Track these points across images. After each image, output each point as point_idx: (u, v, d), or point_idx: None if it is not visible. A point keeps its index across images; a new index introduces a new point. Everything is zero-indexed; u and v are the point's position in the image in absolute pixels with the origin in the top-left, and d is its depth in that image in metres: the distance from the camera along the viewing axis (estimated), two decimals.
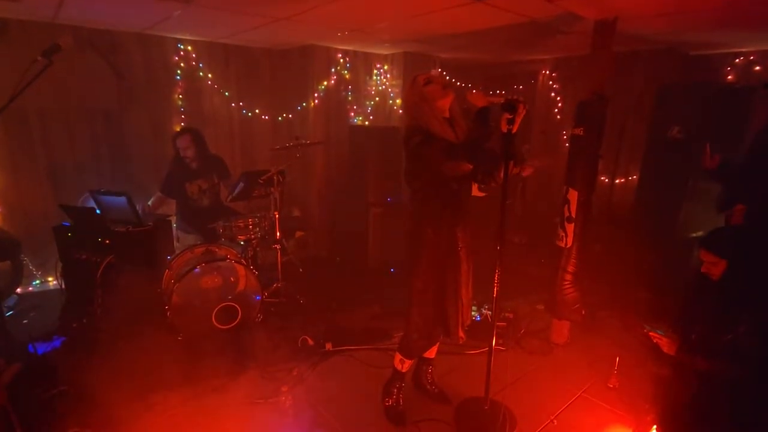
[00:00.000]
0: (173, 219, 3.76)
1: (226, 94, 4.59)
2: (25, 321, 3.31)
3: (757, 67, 3.79)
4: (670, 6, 2.58)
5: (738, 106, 3.33)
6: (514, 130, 1.90)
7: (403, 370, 2.36)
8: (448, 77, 5.55)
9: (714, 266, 2.17)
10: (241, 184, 3.40)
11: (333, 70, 4.73)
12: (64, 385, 2.35)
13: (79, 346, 2.72)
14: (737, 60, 3.90)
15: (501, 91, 5.82)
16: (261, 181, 3.38)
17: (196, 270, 3.00)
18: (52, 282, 3.87)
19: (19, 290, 3.70)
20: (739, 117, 3.27)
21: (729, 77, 3.95)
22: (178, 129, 4.33)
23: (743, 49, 3.87)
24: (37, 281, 3.91)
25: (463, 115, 2.11)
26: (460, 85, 5.70)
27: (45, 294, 3.78)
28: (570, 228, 2.92)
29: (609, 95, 2.76)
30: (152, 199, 3.64)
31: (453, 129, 2.04)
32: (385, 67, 5.10)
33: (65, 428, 2.09)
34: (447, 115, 2.06)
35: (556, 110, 5.17)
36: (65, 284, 3.24)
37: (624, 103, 4.23)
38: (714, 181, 2.92)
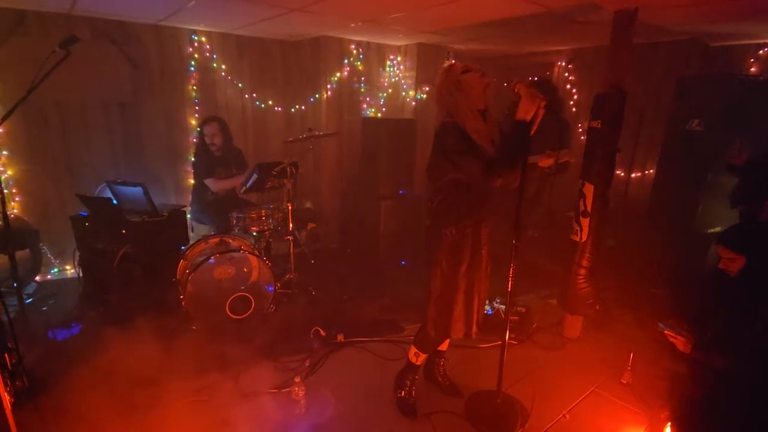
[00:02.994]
0: (188, 209, 3.82)
1: (240, 85, 4.59)
2: (44, 308, 3.39)
3: None
4: None
5: (761, 99, 3.24)
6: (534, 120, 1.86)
7: (418, 363, 2.37)
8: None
9: (732, 263, 2.13)
10: (255, 176, 3.42)
11: (346, 61, 4.71)
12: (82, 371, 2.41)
13: (96, 333, 2.77)
14: (761, 51, 3.78)
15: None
16: (274, 173, 3.39)
17: (211, 260, 3.03)
18: (70, 270, 3.94)
19: (37, 278, 3.78)
20: (763, 110, 3.18)
21: (752, 69, 3.84)
22: (192, 121, 4.38)
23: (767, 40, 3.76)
24: (56, 269, 3.99)
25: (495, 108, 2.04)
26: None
27: (63, 282, 3.86)
28: (585, 222, 2.89)
29: (627, 88, 2.71)
30: (214, 185, 3.68)
31: (485, 122, 1.98)
32: (399, 59, 5.05)
33: (83, 412, 2.14)
34: (482, 106, 1.99)
35: (572, 102, 5.09)
36: (83, 273, 3.30)
37: (642, 95, 4.15)
38: (736, 176, 2.85)
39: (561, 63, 5.22)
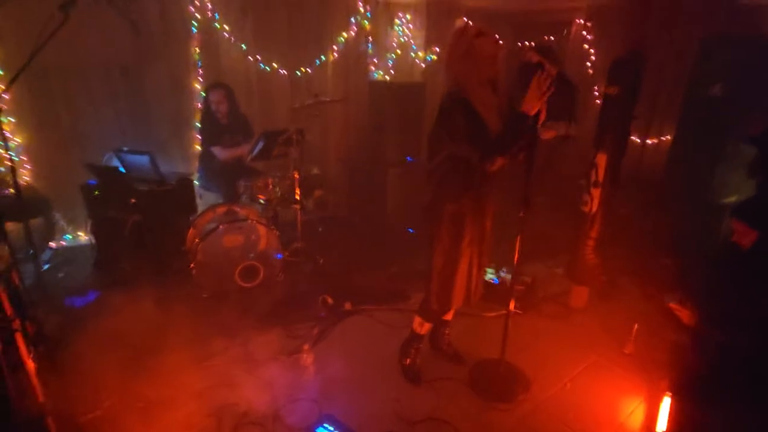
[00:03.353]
0: (195, 177, 3.82)
1: (243, 47, 4.45)
2: (60, 275, 3.48)
3: None
4: None
5: None
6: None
7: (422, 333, 2.42)
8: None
9: (744, 236, 2.09)
10: (261, 144, 3.39)
11: (353, 20, 4.52)
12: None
13: (111, 300, 2.86)
14: None
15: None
16: (280, 141, 3.35)
17: (220, 229, 3.06)
18: (83, 237, 4.02)
19: (53, 245, 3.87)
20: None
21: None
22: (197, 85, 4.29)
23: None
24: (69, 236, 4.06)
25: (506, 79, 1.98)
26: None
27: (77, 249, 3.94)
28: (596, 193, 2.84)
29: (647, 51, 2.57)
30: (221, 153, 3.66)
31: (495, 94, 1.92)
32: (408, 17, 4.84)
33: (99, 375, 2.24)
34: (493, 75, 1.91)
35: (589, 64, 4.87)
36: (95, 241, 3.37)
37: (663, 57, 3.94)
38: (755, 146, 2.75)
39: (579, 20, 4.95)
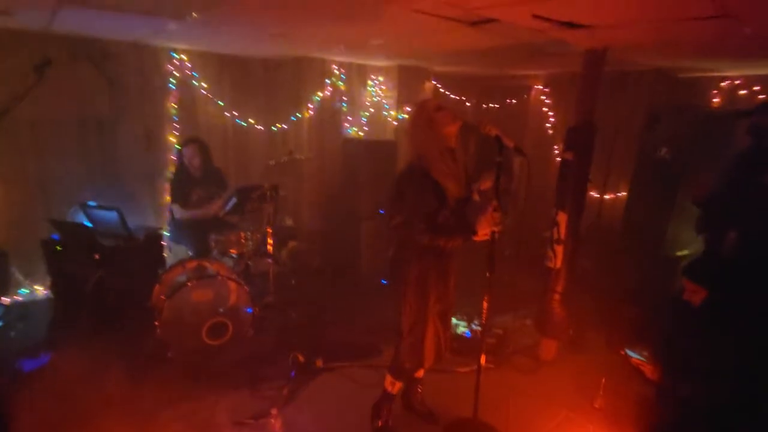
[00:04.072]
0: (165, 229, 3.77)
1: (221, 103, 4.58)
2: (12, 333, 3.28)
3: (743, 91, 3.88)
4: (657, 39, 2.64)
5: (723, 130, 3.41)
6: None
7: (394, 392, 2.39)
8: (442, 90, 5.59)
9: (695, 294, 2.23)
10: (234, 199, 3.41)
11: (328, 81, 4.74)
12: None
13: (66, 362, 2.70)
14: (723, 84, 3.98)
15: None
16: (254, 197, 3.39)
17: (188, 286, 2.99)
18: (40, 291, 3.83)
19: (7, 300, 3.66)
20: (725, 141, 3.35)
21: (715, 100, 4.03)
22: (172, 138, 4.34)
23: (729, 74, 3.96)
24: (26, 290, 3.87)
25: (464, 149, 2.14)
26: (455, 98, 5.75)
27: (33, 304, 3.74)
28: (559, 249, 2.98)
29: (599, 116, 2.82)
30: (178, 213, 3.65)
31: (454, 162, 2.06)
32: (380, 79, 5.12)
33: None
34: (452, 144, 2.07)
35: (548, 125, 5.24)
36: (54, 298, 3.22)
37: (614, 122, 4.29)
38: (698, 207, 2.98)
39: (537, 86, 5.38)
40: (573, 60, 3.47)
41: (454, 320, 3.54)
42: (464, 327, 3.46)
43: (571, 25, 2.29)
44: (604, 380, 2.71)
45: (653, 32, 2.44)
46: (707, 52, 3.02)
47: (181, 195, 3.64)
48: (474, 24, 2.57)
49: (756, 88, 3.81)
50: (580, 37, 2.55)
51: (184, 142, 3.71)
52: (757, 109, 2.53)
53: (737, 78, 3.93)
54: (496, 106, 6.00)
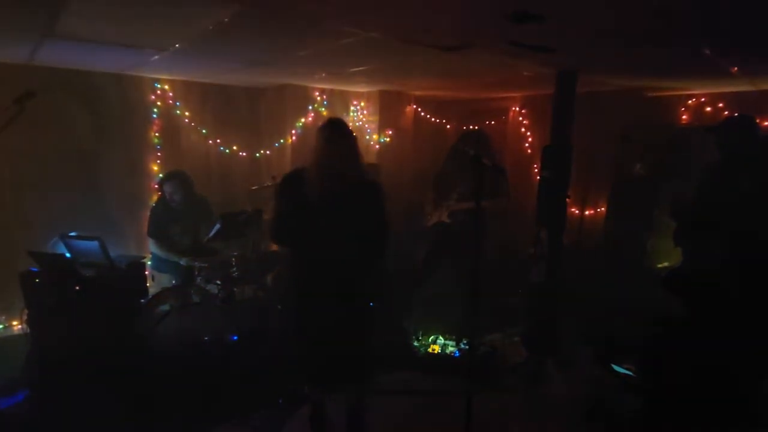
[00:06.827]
0: (148, 258, 3.71)
1: (204, 131, 4.60)
2: None
3: (708, 108, 4.07)
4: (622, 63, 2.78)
5: (691, 146, 3.56)
6: None
7: None
8: (423, 114, 5.72)
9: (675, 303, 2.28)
10: (218, 226, 3.39)
11: (310, 107, 4.82)
12: None
13: (43, 399, 2.60)
14: (690, 101, 4.17)
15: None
16: (238, 222, 3.37)
17: (171, 314, 2.94)
18: (16, 326, 3.71)
19: None
20: (693, 156, 3.49)
21: (683, 117, 4.21)
22: (155, 167, 4.32)
23: (695, 92, 4.15)
24: (1, 325, 3.74)
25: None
26: (435, 121, 5.88)
27: (7, 340, 3.61)
28: (543, 265, 3.02)
29: (577, 135, 2.92)
30: (152, 247, 3.64)
31: None
32: (362, 104, 5.23)
33: None
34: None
35: (526, 144, 5.37)
36: (31, 332, 3.12)
37: (591, 141, 4.44)
38: (674, 221, 3.08)
39: (515, 108, 5.54)
40: (548, 81, 3.62)
41: (442, 340, 3.54)
42: (453, 347, 3.45)
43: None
44: (594, 397, 2.71)
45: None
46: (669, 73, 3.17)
47: (155, 230, 3.60)
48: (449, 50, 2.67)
49: (720, 105, 4.00)
50: (550, 66, 2.67)
51: (165, 177, 3.66)
52: (720, 125, 2.66)
53: (702, 96, 4.12)
54: (475, 127, 6.14)
